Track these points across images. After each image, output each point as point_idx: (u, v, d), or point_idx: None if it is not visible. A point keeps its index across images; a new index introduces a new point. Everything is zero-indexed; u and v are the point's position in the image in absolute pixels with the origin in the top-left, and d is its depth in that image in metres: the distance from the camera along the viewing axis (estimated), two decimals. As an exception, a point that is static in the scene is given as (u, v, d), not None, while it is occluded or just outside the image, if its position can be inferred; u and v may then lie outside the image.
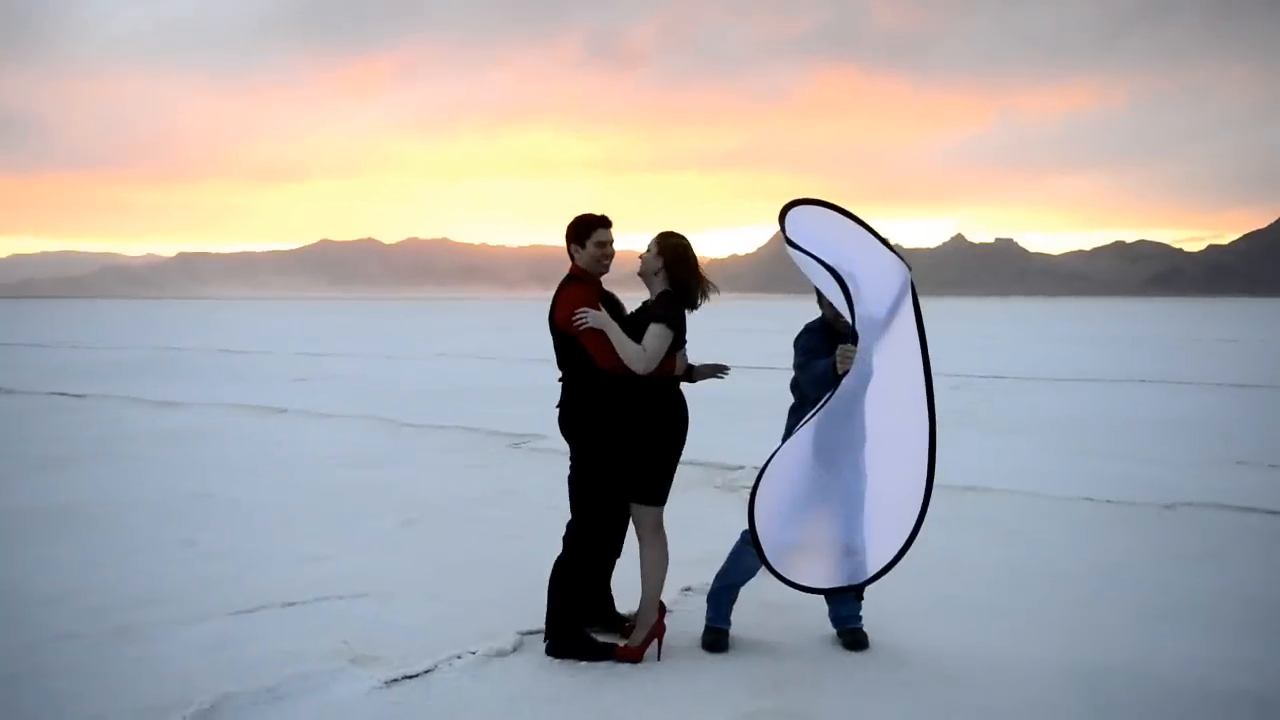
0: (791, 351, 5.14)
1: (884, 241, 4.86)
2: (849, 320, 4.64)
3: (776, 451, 4.71)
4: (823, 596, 5.21)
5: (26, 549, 7.11)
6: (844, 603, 5.24)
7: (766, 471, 4.67)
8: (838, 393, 4.64)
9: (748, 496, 4.69)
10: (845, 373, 4.63)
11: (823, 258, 4.62)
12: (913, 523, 4.68)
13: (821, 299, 5.08)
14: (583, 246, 5.09)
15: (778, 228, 4.84)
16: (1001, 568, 6.65)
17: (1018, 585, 6.26)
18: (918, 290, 4.85)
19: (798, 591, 4.83)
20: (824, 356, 4.92)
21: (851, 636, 5.21)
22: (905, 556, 4.72)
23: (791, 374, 5.18)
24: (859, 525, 4.84)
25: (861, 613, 5.28)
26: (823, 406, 4.67)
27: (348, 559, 6.86)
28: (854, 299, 4.60)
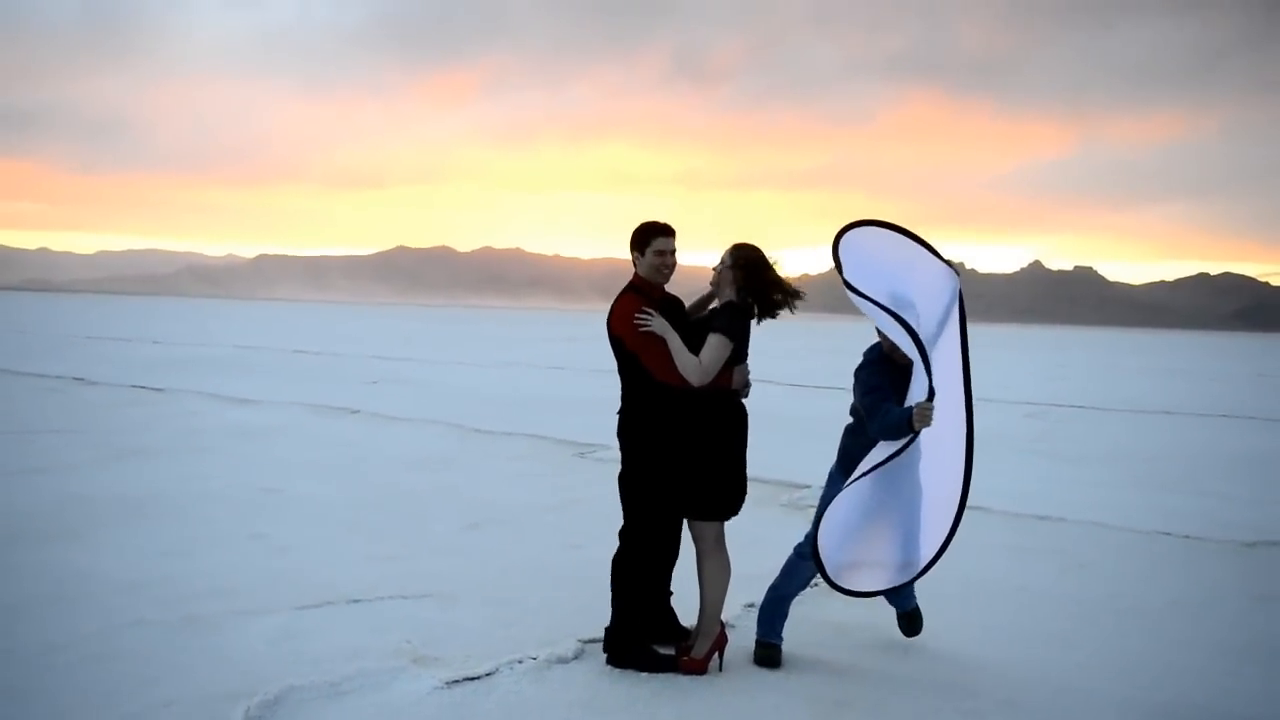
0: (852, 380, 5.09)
1: (932, 250, 4.78)
2: (925, 378, 4.55)
3: (839, 494, 4.72)
4: (873, 619, 5.25)
5: (105, 536, 7.27)
6: (899, 590, 5.27)
7: (830, 511, 4.69)
8: (910, 450, 4.60)
9: (811, 517, 4.68)
10: (920, 429, 4.57)
11: (880, 299, 4.53)
12: (950, 522, 4.68)
13: (885, 338, 5.01)
14: (642, 254, 5.06)
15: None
16: (1072, 600, 6.51)
17: (1088, 618, 6.13)
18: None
19: (859, 602, 4.82)
20: (889, 395, 4.84)
21: (909, 619, 5.39)
22: (945, 558, 4.76)
23: (852, 403, 5.14)
24: (915, 542, 4.85)
25: (925, 627, 5.38)
26: (894, 457, 4.63)
27: (413, 559, 6.92)
28: (926, 349, 4.51)
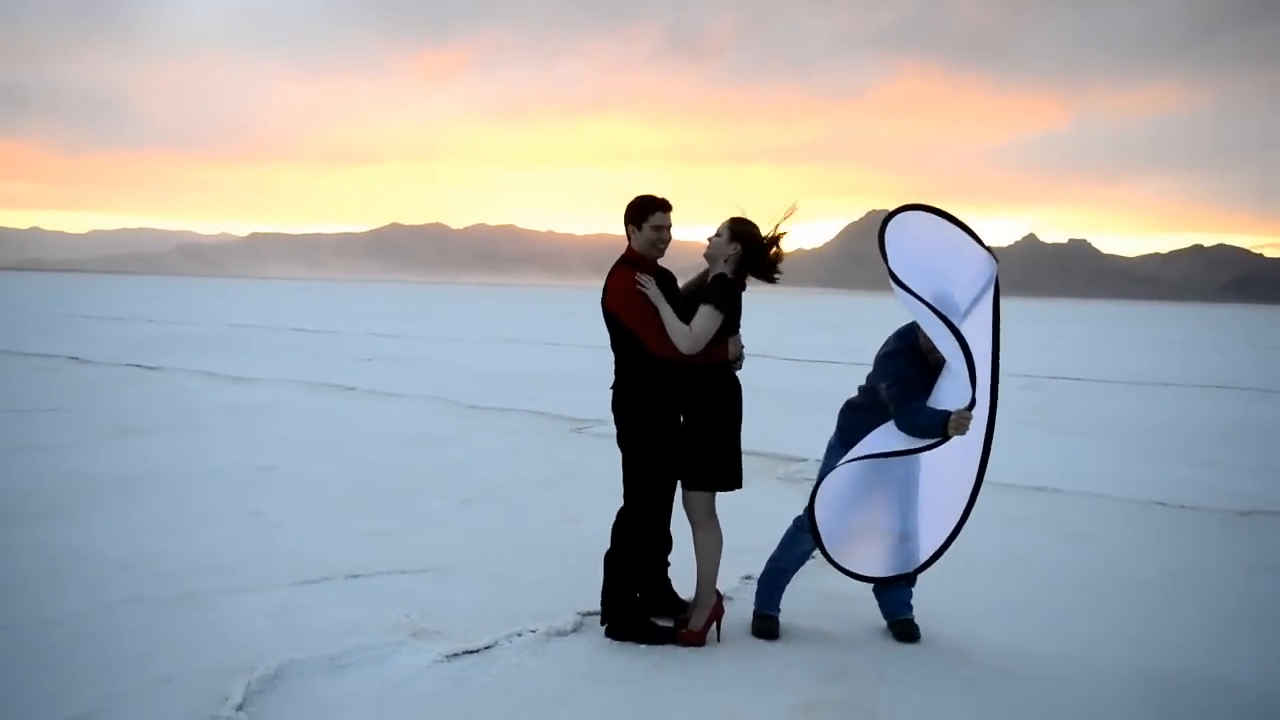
0: (873, 360, 5.02)
1: (974, 236, 4.74)
2: (969, 388, 4.45)
3: (840, 467, 4.70)
4: (871, 587, 5.19)
5: (101, 514, 7.26)
6: (894, 592, 5.17)
7: (826, 481, 4.68)
8: (937, 450, 4.58)
9: (809, 490, 4.68)
10: (951, 437, 4.53)
11: (926, 297, 4.47)
12: (961, 509, 4.64)
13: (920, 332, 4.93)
14: (639, 228, 5.02)
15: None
16: (1070, 569, 6.53)
17: (1086, 587, 6.14)
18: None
19: (851, 579, 4.81)
20: (919, 388, 4.77)
21: (903, 627, 5.13)
22: (953, 545, 4.69)
23: (861, 370, 5.11)
24: (913, 510, 4.85)
25: (912, 602, 5.20)
26: (917, 451, 4.61)
27: (411, 535, 6.92)
28: (975, 366, 4.43)
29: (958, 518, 4.69)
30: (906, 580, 5.11)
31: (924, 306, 4.50)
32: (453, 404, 13.96)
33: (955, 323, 4.49)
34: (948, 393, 4.65)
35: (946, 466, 4.74)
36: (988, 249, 4.75)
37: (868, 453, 4.71)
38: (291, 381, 16.24)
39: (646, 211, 5.02)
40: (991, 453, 4.67)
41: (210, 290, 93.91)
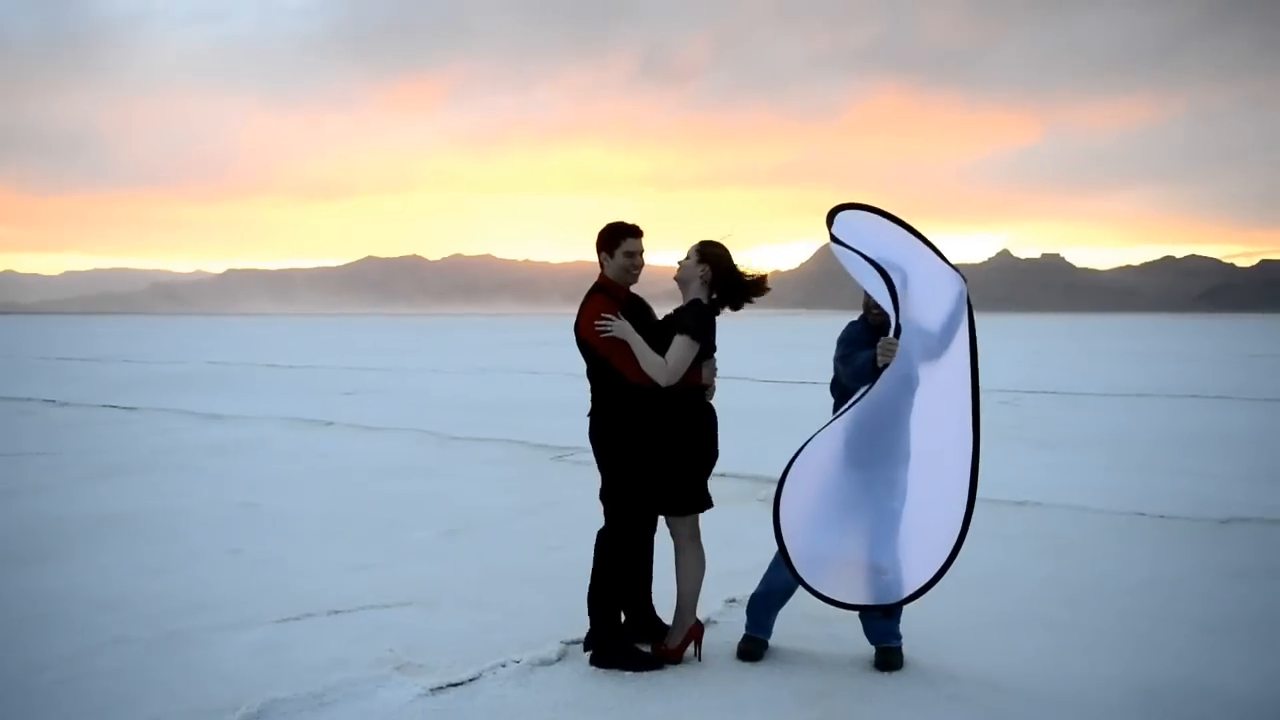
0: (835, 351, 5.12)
1: (938, 252, 4.77)
2: (891, 315, 4.59)
3: (804, 446, 4.65)
4: (855, 613, 5.13)
5: (80, 556, 7.21)
6: (877, 619, 5.11)
7: (793, 471, 4.61)
8: (874, 388, 4.59)
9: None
10: (885, 365, 4.58)
11: (868, 254, 4.60)
12: (950, 547, 4.53)
13: (867, 301, 5.04)
14: (611, 255, 5.04)
15: (822, 243, 4.81)
16: (1053, 582, 6.56)
17: (1070, 600, 6.17)
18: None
19: (832, 606, 4.78)
20: (862, 346, 4.91)
21: (884, 656, 5.04)
22: (940, 582, 4.61)
23: (832, 377, 5.15)
24: (892, 543, 4.72)
25: (900, 631, 5.12)
26: (860, 399, 4.62)
27: (393, 568, 6.90)
28: (899, 296, 4.55)
29: (945, 555, 4.57)
30: (883, 613, 4.99)
31: (852, 253, 4.62)
32: (433, 435, 13.93)
33: (884, 268, 4.55)
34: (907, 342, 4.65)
35: (932, 502, 4.68)
36: (953, 267, 4.76)
37: (825, 427, 4.69)
38: (270, 418, 16.17)
39: (618, 238, 5.03)
40: (980, 483, 4.64)
41: (186, 329, 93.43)
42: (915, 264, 4.72)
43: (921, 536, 4.67)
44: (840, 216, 4.76)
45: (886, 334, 4.70)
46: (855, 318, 5.25)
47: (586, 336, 4.96)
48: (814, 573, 4.70)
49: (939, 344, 4.68)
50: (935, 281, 4.71)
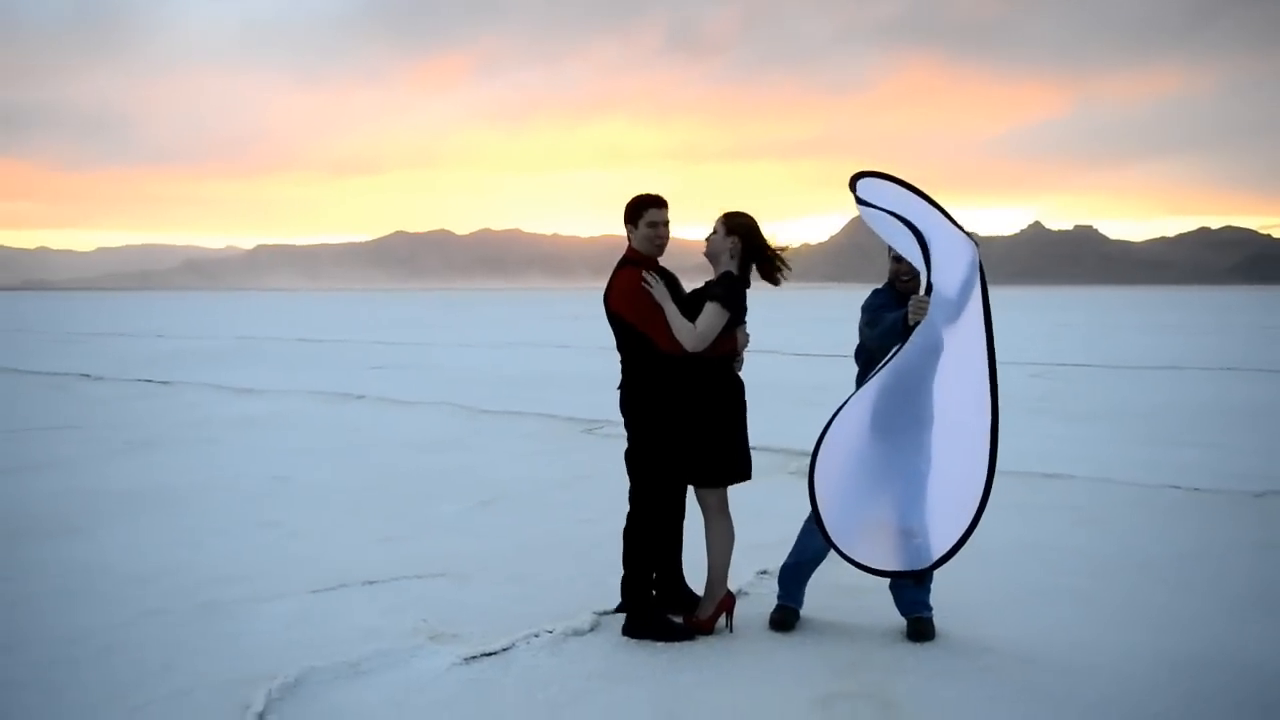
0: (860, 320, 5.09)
1: (951, 219, 4.76)
2: (924, 272, 4.59)
3: (838, 412, 4.67)
4: (886, 582, 5.13)
5: (116, 529, 7.29)
6: (907, 588, 5.12)
7: (827, 437, 4.65)
8: (906, 348, 4.58)
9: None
10: (916, 324, 4.56)
11: (898, 212, 4.61)
12: (974, 510, 4.52)
13: (896, 269, 5.02)
14: (635, 226, 5.07)
15: (851, 216, 4.83)
16: (1086, 555, 6.52)
17: (1103, 573, 6.14)
18: (991, 275, 4.75)
19: (864, 573, 4.78)
20: (889, 311, 4.89)
21: (916, 626, 5.03)
22: (966, 545, 4.58)
23: (857, 344, 5.14)
24: (920, 507, 4.73)
25: (930, 600, 5.13)
26: (890, 359, 4.62)
27: (426, 540, 6.95)
28: (929, 253, 4.55)
29: (970, 517, 4.55)
30: (914, 579, 5.00)
31: (880, 211, 4.63)
32: (463, 409, 13.98)
33: (914, 223, 4.55)
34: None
35: (955, 464, 4.68)
36: (966, 233, 4.73)
37: (855, 393, 4.72)
38: (301, 392, 16.28)
39: (641, 209, 5.07)
40: (1000, 449, 4.60)
41: (217, 304, 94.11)
42: (934, 229, 4.70)
43: (947, 499, 4.68)
44: (863, 182, 4.78)
45: (907, 294, 4.72)
46: (880, 286, 5.24)
47: (617, 308, 4.99)
48: (848, 540, 4.72)
49: (956, 309, 4.65)
50: (951, 247, 4.69)
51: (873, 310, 5.03)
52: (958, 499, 4.59)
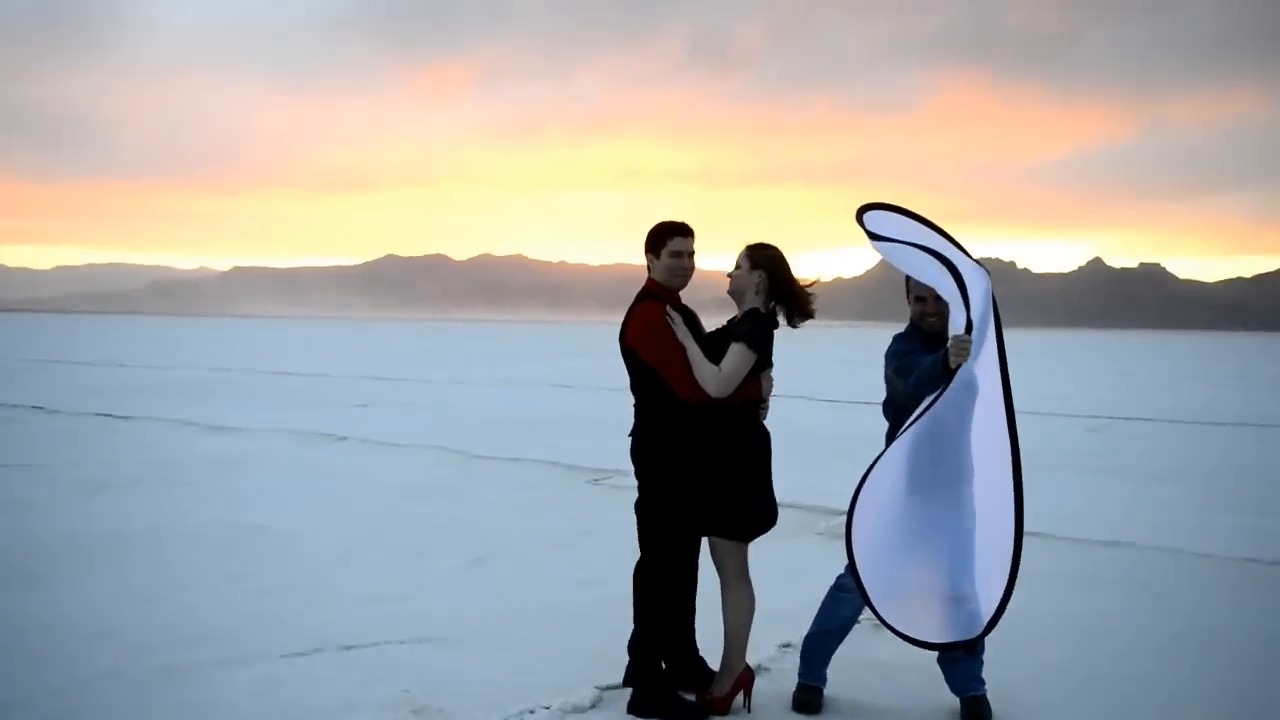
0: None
1: (961, 248, 4.79)
2: (960, 306, 4.56)
3: (872, 467, 4.64)
4: (935, 657, 5.10)
5: (67, 580, 7.29)
6: (960, 661, 5.08)
7: (861, 496, 4.62)
8: (943, 397, 4.55)
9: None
10: (958, 367, 4.52)
11: (919, 242, 4.63)
12: (1009, 565, 4.52)
13: (923, 309, 5.01)
14: (658, 256, 5.08)
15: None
16: (1150, 634, 6.46)
17: (1169, 655, 6.08)
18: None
19: (909, 645, 4.73)
20: (920, 356, 4.85)
21: (972, 708, 5.00)
22: (1009, 606, 4.58)
23: (884, 397, 5.11)
24: (969, 570, 4.71)
25: (984, 674, 5.12)
26: (928, 408, 4.58)
27: (412, 600, 6.93)
28: (965, 284, 4.55)
29: (1006, 575, 4.56)
30: (966, 650, 5.01)
31: (899, 245, 4.68)
32: (457, 454, 13.99)
33: (939, 250, 4.59)
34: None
35: (992, 516, 4.68)
36: (977, 261, 4.75)
37: (890, 446, 4.69)
38: (278, 430, 16.31)
39: (665, 237, 5.07)
40: (1025, 493, 4.57)
41: (187, 330, 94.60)
42: (954, 258, 4.73)
43: (991, 557, 4.67)
44: (870, 215, 4.83)
45: (947, 339, 4.70)
46: (902, 330, 5.21)
47: (634, 345, 4.99)
48: (893, 610, 4.68)
49: (977, 346, 4.65)
50: (968, 274, 4.72)
51: (901, 357, 4.97)
52: (997, 555, 4.60)
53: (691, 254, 5.10)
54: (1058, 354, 60.38)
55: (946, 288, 4.65)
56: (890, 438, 5.05)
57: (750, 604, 5.02)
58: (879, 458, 4.69)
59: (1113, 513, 10.25)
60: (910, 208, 4.87)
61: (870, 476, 4.66)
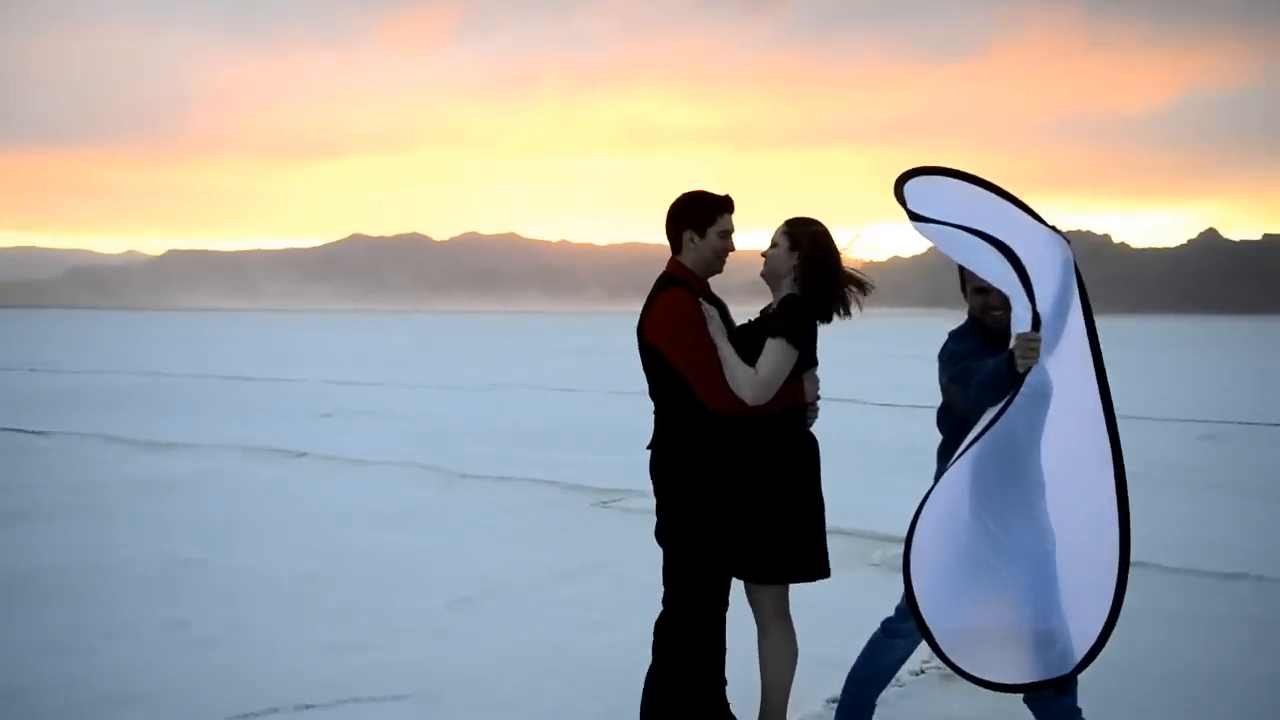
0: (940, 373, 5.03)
1: (1031, 213, 4.74)
2: (1024, 300, 4.50)
3: (929, 494, 4.62)
4: (1019, 698, 5.08)
5: (-29, 628, 7.32)
6: (1051, 701, 5.04)
7: (919, 525, 4.59)
8: (1013, 405, 4.51)
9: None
10: (1027, 370, 4.46)
11: (968, 224, 4.55)
12: (1113, 588, 4.50)
13: (984, 301, 4.95)
14: (703, 235, 5.00)
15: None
16: (1270, 684, 6.44)
17: (1295, 708, 6.06)
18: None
19: (977, 691, 4.72)
20: (982, 358, 4.79)
21: None
22: (1112, 635, 4.56)
23: (939, 406, 5.09)
24: (1055, 600, 4.69)
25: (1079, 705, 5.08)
26: (994, 422, 4.54)
27: (383, 648, 6.94)
28: (1028, 273, 4.48)
29: (1110, 599, 4.53)
30: (1056, 689, 4.97)
31: (947, 228, 4.56)
32: (437, 472, 14.02)
33: (992, 234, 4.50)
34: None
35: (1082, 532, 4.66)
36: (1053, 228, 4.71)
37: (951, 465, 4.66)
38: (224, 446, 16.34)
39: (713, 212, 5.01)
40: (1130, 506, 4.55)
41: (114, 327, 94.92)
42: (1017, 233, 4.67)
43: (1083, 582, 4.65)
44: (913, 185, 4.73)
45: (1008, 334, 4.66)
46: (958, 325, 5.15)
47: (656, 341, 4.93)
48: (965, 654, 4.66)
49: (1054, 333, 4.61)
50: (1041, 253, 4.67)
51: (959, 360, 4.89)
52: (1094, 578, 4.58)
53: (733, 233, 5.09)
54: (1163, 346, 60.12)
55: (1007, 280, 4.56)
56: (946, 453, 5.03)
57: (792, 651, 5.02)
58: (938, 479, 4.67)
59: (1230, 538, 10.20)
60: (974, 173, 4.79)
61: (929, 501, 4.64)
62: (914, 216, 4.64)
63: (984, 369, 4.64)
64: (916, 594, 4.62)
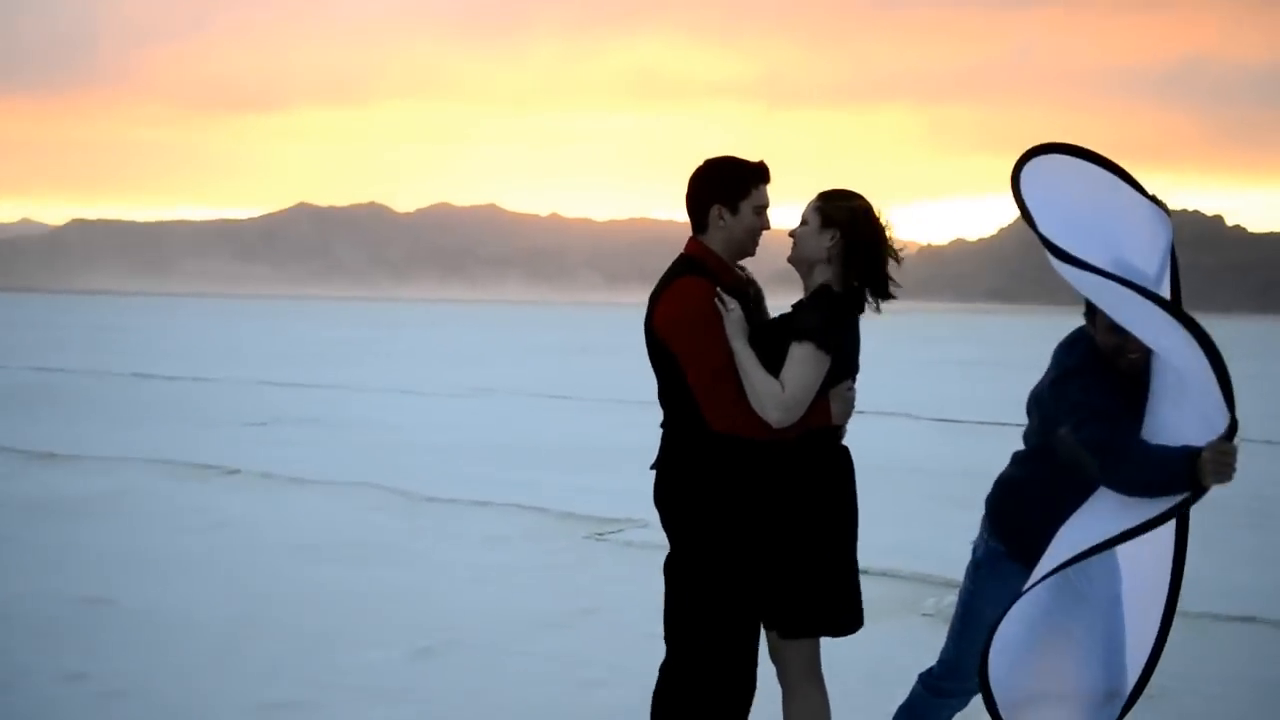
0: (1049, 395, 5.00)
1: (1138, 187, 4.76)
2: (1219, 401, 4.24)
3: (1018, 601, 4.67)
4: None
5: None
6: None
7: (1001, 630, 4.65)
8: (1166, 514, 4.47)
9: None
10: (1207, 488, 4.36)
11: (1104, 266, 4.50)
12: (1155, 633, 4.64)
13: (1096, 313, 4.90)
14: (735, 211, 4.93)
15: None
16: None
17: None
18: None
19: None
20: (1125, 419, 4.73)
21: None
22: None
23: (1032, 428, 5.09)
24: (1120, 655, 4.80)
25: None
26: (1157, 523, 4.50)
27: (333, 708, 6.97)
28: (1217, 350, 4.37)
29: (1151, 643, 4.68)
30: None
31: (1099, 276, 4.44)
32: (399, 495, 14.06)
33: (1155, 291, 4.47)
34: (1188, 425, 4.52)
35: (1141, 573, 4.73)
36: (1160, 204, 4.72)
37: (1072, 554, 4.65)
38: (137, 460, 16.38)
39: (747, 183, 4.94)
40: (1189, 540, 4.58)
41: (4, 309, 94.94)
42: (1123, 220, 4.69)
43: (1137, 618, 4.78)
44: (1030, 172, 4.64)
45: (1146, 384, 4.66)
46: (1072, 333, 5.05)
47: (667, 337, 4.89)
48: (1020, 715, 4.72)
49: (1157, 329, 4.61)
50: (1143, 235, 4.69)
51: (1097, 415, 4.64)
52: (1145, 617, 4.72)
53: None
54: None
55: (1195, 370, 4.34)
56: (1013, 487, 5.04)
57: (823, 716, 5.04)
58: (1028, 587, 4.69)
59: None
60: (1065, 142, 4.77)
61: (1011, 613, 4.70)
62: (1058, 254, 4.44)
63: (1151, 458, 4.44)
64: (991, 656, 4.65)
